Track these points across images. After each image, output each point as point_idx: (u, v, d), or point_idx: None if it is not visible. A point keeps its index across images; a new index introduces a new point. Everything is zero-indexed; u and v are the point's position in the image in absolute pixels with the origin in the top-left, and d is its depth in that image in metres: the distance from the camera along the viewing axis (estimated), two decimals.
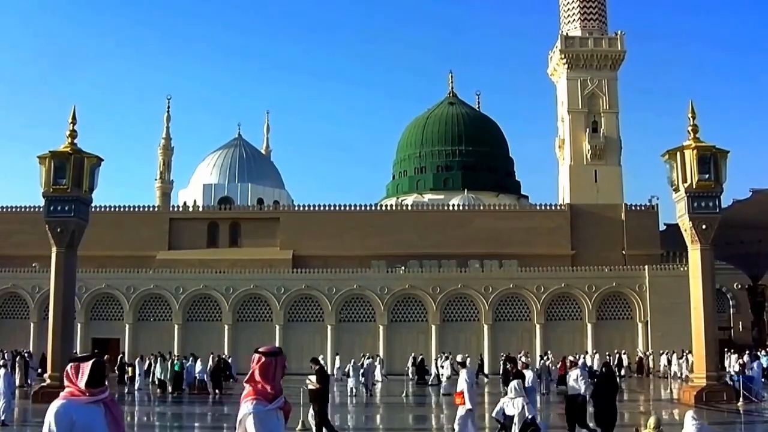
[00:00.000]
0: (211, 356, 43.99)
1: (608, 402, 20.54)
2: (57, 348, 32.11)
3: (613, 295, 62.74)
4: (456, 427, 18.60)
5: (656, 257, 68.26)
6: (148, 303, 63.09)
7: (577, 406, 20.75)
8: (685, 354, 51.06)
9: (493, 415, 19.88)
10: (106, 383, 6.28)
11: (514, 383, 19.16)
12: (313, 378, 21.01)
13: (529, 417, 18.04)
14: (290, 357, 49.29)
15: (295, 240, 70.85)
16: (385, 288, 62.22)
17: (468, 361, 24.41)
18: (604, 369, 22.43)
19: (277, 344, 59.45)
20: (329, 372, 41.98)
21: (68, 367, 6.19)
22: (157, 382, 42.06)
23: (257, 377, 6.39)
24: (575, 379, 21.16)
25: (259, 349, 6.51)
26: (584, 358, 49.04)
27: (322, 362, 27.49)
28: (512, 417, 18.39)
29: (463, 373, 19.26)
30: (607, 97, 78.25)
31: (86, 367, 6.12)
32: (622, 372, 52.83)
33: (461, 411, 18.62)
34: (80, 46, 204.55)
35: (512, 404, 18.46)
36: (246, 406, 6.31)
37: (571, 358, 45.82)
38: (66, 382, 6.17)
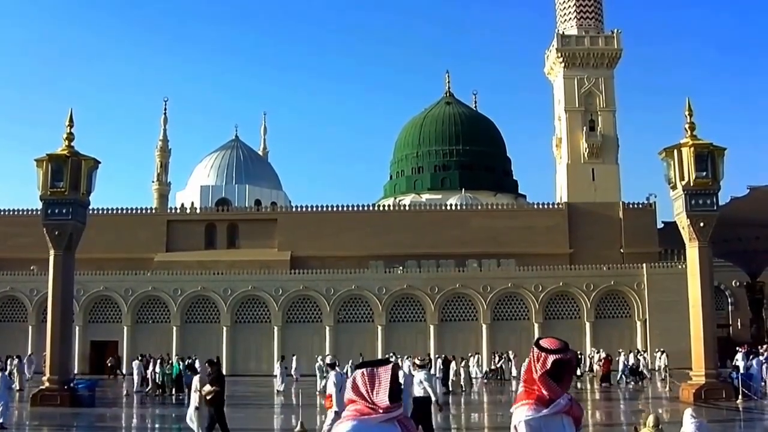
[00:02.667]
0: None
1: None
2: (55, 351, 32.05)
3: (611, 293, 62.78)
4: (325, 429, 18.24)
5: (654, 255, 68.28)
6: (146, 305, 63.05)
7: (426, 410, 19.18)
8: (659, 352, 52.01)
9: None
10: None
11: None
12: (208, 387, 19.72)
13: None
14: (289, 358, 49.49)
15: (293, 241, 70.82)
16: (383, 288, 62.21)
17: (337, 362, 23.91)
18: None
19: (275, 345, 59.87)
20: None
21: (356, 376, 4.92)
22: (157, 384, 41.99)
23: (535, 377, 5.37)
24: (419, 382, 19.31)
25: (541, 344, 5.47)
26: (626, 355, 49.79)
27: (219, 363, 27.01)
28: None
29: (331, 375, 18.87)
30: (603, 95, 78.31)
31: (384, 374, 4.87)
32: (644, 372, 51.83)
33: (330, 414, 18.34)
34: (77, 48, 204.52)
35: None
36: (519, 412, 5.35)
37: (602, 354, 46.28)
38: (352, 395, 4.90)
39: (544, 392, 5.27)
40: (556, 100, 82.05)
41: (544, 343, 5.44)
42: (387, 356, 55.32)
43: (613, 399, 39.75)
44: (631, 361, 49.25)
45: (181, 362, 42.88)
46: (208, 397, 19.49)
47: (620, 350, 51.75)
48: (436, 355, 49.97)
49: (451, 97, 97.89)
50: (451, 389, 41.55)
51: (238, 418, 31.17)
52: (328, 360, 20.03)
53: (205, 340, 60.33)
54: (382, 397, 4.80)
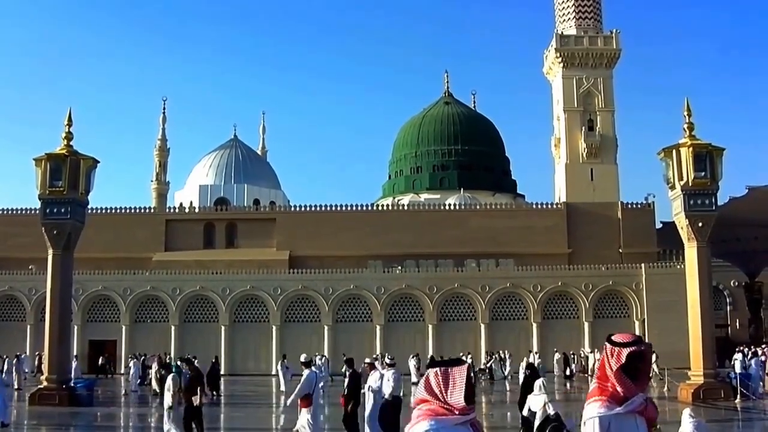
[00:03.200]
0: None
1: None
2: (54, 350, 32.03)
3: (609, 293, 62.79)
4: (300, 430, 18.22)
5: (653, 255, 68.30)
6: (145, 304, 63.02)
7: (394, 409, 19.22)
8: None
9: (523, 413, 19.64)
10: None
11: (539, 381, 18.89)
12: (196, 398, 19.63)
13: (552, 414, 17.99)
14: (288, 358, 49.40)
15: (292, 240, 70.82)
16: (381, 288, 62.21)
17: (317, 360, 23.69)
18: (528, 372, 20.80)
19: (274, 345, 59.87)
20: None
21: (429, 375, 4.80)
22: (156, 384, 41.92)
23: (609, 373, 5.14)
24: (387, 380, 19.42)
25: (613, 339, 5.20)
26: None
27: (196, 363, 26.98)
28: (536, 413, 18.34)
29: (305, 374, 18.69)
30: (602, 95, 78.36)
31: (459, 375, 4.73)
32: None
33: (305, 414, 18.24)
34: (76, 48, 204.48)
35: (536, 401, 18.24)
36: (590, 409, 5.18)
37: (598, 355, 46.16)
38: (425, 394, 4.76)
39: (619, 389, 5.10)
40: (555, 100, 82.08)
41: (616, 338, 5.21)
42: (373, 357, 55.10)
43: None
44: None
45: (179, 361, 42.84)
46: (201, 401, 19.38)
47: None
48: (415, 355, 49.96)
49: (450, 97, 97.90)
50: None
51: (237, 417, 31.22)
52: (302, 359, 19.84)
53: (204, 339, 60.32)
54: (457, 398, 4.68)
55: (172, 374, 20.49)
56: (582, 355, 57.70)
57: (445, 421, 4.64)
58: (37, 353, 54.68)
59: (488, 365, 54.09)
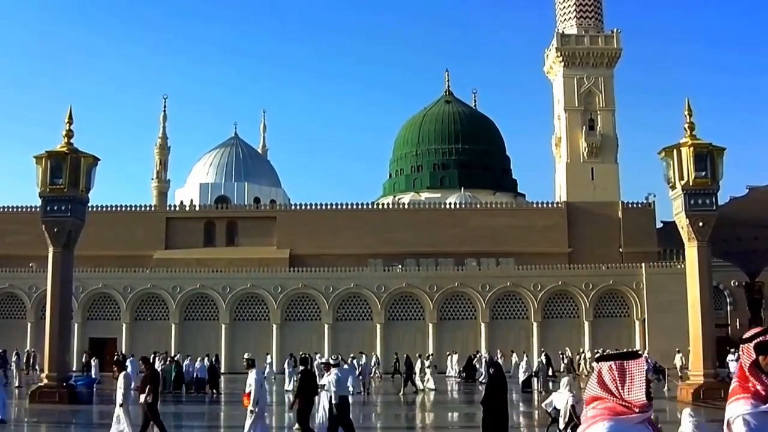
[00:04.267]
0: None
1: (499, 407, 18.71)
2: (54, 348, 32.05)
3: (610, 292, 62.79)
4: (246, 429, 18.20)
5: (653, 255, 68.29)
6: (145, 302, 63.04)
7: (348, 406, 19.79)
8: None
9: (543, 406, 20.05)
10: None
11: (565, 379, 19.20)
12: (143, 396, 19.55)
13: (576, 409, 18.17)
14: (277, 357, 49.43)
15: (292, 239, 70.84)
16: (382, 286, 62.22)
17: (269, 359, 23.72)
18: (493, 370, 19.83)
19: (274, 343, 59.87)
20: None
21: (602, 369, 4.43)
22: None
23: (747, 371, 4.81)
24: (330, 382, 19.67)
25: (743, 337, 4.91)
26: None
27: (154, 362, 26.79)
28: (560, 410, 18.53)
29: (251, 373, 18.72)
30: (603, 94, 78.41)
31: (637, 369, 4.37)
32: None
33: (248, 415, 18.29)
34: (76, 45, 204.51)
35: (561, 398, 18.52)
36: (735, 407, 4.85)
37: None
38: (599, 391, 4.40)
39: (759, 387, 4.74)
40: (556, 99, 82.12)
41: (746, 335, 4.88)
42: (332, 357, 55.51)
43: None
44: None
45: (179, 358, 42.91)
46: (148, 401, 19.29)
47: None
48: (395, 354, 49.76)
49: (451, 96, 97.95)
50: (421, 387, 41.69)
51: (238, 416, 31.18)
52: (246, 356, 19.87)
53: (204, 337, 60.39)
54: (637, 395, 4.31)
55: (123, 372, 20.42)
56: (565, 355, 56.86)
57: (625, 421, 4.28)
58: (25, 350, 54.72)
59: (473, 365, 53.83)
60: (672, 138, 34.44)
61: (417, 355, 46.97)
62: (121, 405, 19.30)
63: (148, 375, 20.04)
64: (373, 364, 44.18)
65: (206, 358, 43.32)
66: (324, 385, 20.07)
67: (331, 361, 21.29)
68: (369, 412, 33.02)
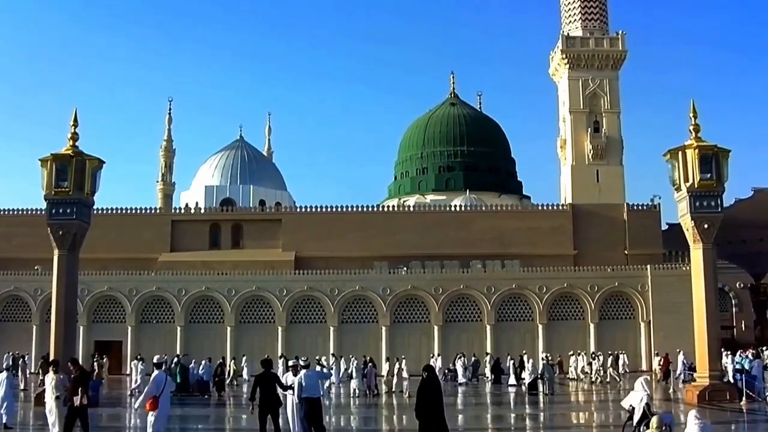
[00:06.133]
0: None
1: (434, 414, 17.95)
2: (59, 351, 32.04)
3: (615, 295, 62.69)
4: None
5: (658, 257, 68.18)
6: (151, 305, 63.08)
7: (317, 408, 19.75)
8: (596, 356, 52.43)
9: (622, 404, 20.58)
10: None
11: (640, 379, 19.72)
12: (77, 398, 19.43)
13: (648, 408, 18.82)
14: (249, 358, 49.30)
15: (297, 241, 70.85)
16: (387, 289, 62.19)
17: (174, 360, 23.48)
18: (425, 375, 18.61)
19: (279, 346, 59.85)
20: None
21: None
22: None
23: None
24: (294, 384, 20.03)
25: None
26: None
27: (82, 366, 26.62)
28: (634, 408, 19.26)
29: (154, 375, 18.65)
30: (608, 96, 78.30)
31: None
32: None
33: (150, 417, 18.19)
34: (82, 48, 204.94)
35: (636, 396, 19.21)
36: None
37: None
38: None
39: None
40: (561, 101, 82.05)
41: None
42: (291, 359, 55.37)
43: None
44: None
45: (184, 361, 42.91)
46: (83, 402, 19.23)
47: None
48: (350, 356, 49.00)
49: (456, 98, 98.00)
50: (390, 389, 41.61)
51: (242, 418, 31.22)
52: (154, 359, 19.79)
53: (209, 340, 60.43)
54: None
55: (51, 374, 20.35)
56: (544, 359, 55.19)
57: None
58: (18, 353, 54.49)
59: (454, 367, 53.78)
60: (677, 140, 34.44)
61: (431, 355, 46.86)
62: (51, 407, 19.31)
63: (77, 377, 19.83)
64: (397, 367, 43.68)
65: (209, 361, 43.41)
66: (290, 386, 20.16)
67: (301, 363, 21.39)
68: (377, 414, 33.06)
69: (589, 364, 51.95)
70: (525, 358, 47.45)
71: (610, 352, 53.84)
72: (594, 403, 38.52)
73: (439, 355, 56.68)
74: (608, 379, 48.83)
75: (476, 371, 53.99)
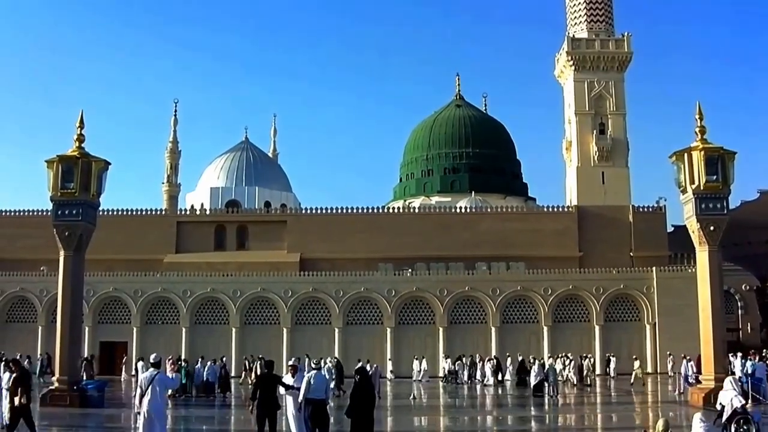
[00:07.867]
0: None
1: (364, 415, 18.63)
2: (65, 352, 32.11)
3: (620, 297, 62.65)
4: None
5: (664, 259, 68.11)
6: (156, 306, 63.19)
7: (323, 411, 19.72)
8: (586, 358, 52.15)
9: (716, 406, 20.65)
10: None
11: (729, 378, 20.34)
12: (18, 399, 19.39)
13: (739, 407, 18.96)
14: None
15: (303, 243, 70.90)
16: (392, 290, 62.22)
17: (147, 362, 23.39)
18: (358, 378, 19.25)
19: (284, 347, 59.89)
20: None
21: None
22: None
23: None
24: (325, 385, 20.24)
25: None
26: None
27: (25, 365, 26.45)
28: (725, 406, 19.42)
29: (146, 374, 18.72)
30: (614, 98, 78.17)
31: None
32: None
33: (140, 418, 18.12)
34: (87, 50, 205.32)
35: (726, 396, 19.46)
36: None
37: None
38: None
39: None
40: (566, 103, 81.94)
41: None
42: (296, 359, 55.43)
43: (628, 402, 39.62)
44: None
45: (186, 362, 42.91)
46: (23, 402, 19.26)
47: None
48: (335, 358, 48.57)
49: (461, 100, 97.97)
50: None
51: (244, 420, 31.22)
52: (151, 358, 19.90)
53: (215, 341, 60.53)
54: None
55: (8, 373, 20.36)
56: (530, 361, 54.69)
57: None
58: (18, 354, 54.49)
59: (455, 369, 53.67)
60: (683, 142, 34.28)
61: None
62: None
63: (18, 376, 19.74)
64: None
65: (217, 361, 43.42)
66: (291, 387, 20.09)
67: (313, 364, 21.39)
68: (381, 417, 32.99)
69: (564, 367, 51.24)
70: (531, 360, 47.34)
71: (588, 355, 54.05)
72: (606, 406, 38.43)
73: (447, 357, 56.91)
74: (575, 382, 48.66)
75: (496, 373, 52.40)
